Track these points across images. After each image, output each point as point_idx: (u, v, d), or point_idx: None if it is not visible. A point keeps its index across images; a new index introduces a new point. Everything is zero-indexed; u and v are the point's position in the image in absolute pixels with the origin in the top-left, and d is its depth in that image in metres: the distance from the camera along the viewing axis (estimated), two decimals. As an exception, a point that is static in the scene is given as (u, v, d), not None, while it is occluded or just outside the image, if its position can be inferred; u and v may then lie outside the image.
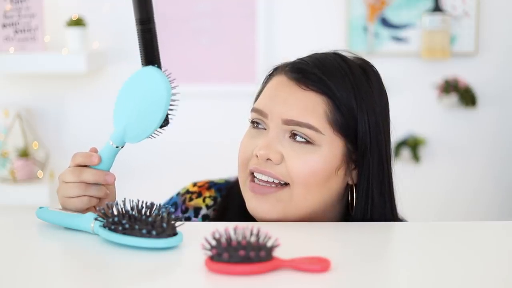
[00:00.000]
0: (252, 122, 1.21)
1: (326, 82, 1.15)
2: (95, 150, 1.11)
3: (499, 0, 2.81)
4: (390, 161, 1.21)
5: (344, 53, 1.22)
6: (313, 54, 1.23)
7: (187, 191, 1.34)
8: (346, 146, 1.16)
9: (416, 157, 2.83)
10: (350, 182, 1.20)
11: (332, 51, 1.23)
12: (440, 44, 2.75)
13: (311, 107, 1.14)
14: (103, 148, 1.10)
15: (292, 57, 1.24)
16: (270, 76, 1.24)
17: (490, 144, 2.87)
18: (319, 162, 1.14)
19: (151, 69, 1.06)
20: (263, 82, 1.25)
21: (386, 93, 1.22)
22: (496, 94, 2.84)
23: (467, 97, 2.79)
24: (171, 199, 1.35)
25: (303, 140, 1.15)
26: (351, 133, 1.16)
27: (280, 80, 1.20)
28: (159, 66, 1.10)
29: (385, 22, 2.80)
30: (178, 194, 1.35)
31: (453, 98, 2.79)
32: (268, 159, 1.15)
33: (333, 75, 1.16)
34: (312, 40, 2.80)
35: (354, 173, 1.19)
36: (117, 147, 1.09)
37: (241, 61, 2.82)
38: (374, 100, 1.18)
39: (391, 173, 1.21)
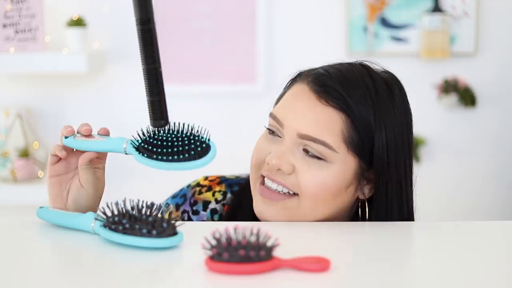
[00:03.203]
0: (268, 129, 1.20)
1: (346, 100, 1.13)
2: (106, 132, 1.10)
3: (499, 0, 2.81)
4: (411, 177, 1.20)
5: (371, 65, 1.20)
6: (338, 65, 1.20)
7: (198, 184, 1.34)
8: (359, 164, 1.15)
9: (416, 157, 2.83)
10: (361, 197, 1.19)
11: (359, 62, 1.21)
12: (440, 44, 2.75)
13: (327, 124, 1.13)
14: (114, 138, 1.08)
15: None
16: (292, 81, 1.23)
17: (490, 144, 2.87)
18: (329, 179, 1.14)
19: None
20: (285, 86, 1.24)
21: (410, 110, 1.20)
22: (496, 94, 2.84)
23: (467, 97, 2.79)
24: (181, 190, 1.35)
25: (316, 156, 1.14)
26: (366, 152, 1.15)
27: (301, 89, 1.18)
28: (159, 66, 1.10)
29: (385, 22, 2.80)
30: (188, 186, 1.35)
31: (453, 98, 2.79)
32: (279, 169, 1.15)
33: (354, 92, 1.14)
34: (312, 40, 2.80)
35: (366, 188, 1.18)
36: (126, 153, 1.07)
37: (241, 61, 2.82)
38: (394, 117, 1.16)
39: (411, 190, 1.20)
